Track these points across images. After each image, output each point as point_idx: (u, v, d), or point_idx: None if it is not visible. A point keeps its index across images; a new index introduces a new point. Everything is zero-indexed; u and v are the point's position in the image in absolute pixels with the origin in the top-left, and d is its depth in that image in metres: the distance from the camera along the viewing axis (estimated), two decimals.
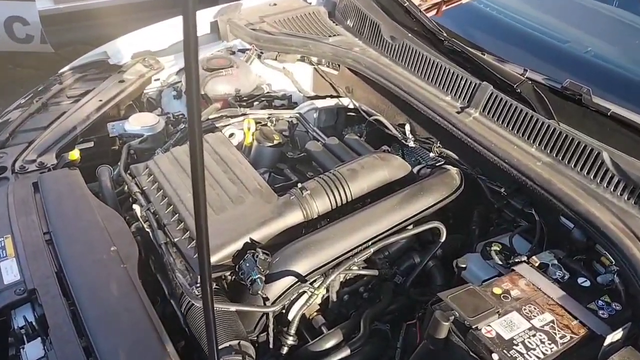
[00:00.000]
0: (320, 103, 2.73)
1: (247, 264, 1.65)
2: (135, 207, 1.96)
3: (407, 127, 2.38)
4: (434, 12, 2.71)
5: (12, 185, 2.03)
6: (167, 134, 2.42)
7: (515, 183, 1.97)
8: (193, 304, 1.61)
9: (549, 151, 1.91)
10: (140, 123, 2.40)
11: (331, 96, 2.81)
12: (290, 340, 1.69)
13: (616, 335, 1.49)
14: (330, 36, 2.64)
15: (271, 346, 1.71)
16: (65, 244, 1.78)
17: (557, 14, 2.66)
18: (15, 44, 4.73)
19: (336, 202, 1.88)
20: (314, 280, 1.75)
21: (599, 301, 1.59)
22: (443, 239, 1.84)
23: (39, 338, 1.55)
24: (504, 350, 1.43)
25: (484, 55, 2.25)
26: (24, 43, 4.72)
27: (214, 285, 1.69)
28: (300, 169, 2.25)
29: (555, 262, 1.73)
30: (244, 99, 2.59)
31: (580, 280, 1.68)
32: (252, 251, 1.68)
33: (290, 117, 2.50)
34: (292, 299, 1.67)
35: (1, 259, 1.72)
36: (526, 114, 1.97)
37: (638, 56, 2.49)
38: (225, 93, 2.60)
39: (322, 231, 1.78)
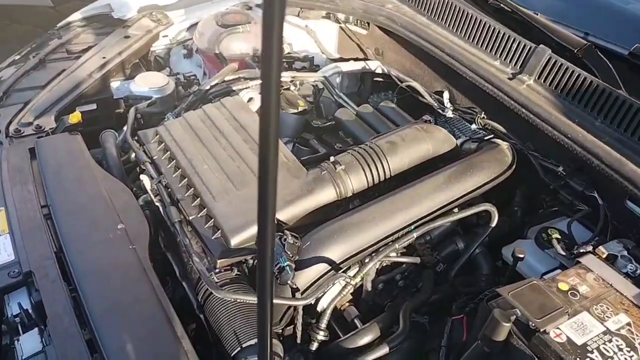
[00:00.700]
0: (345, 66, 2.47)
1: (275, 249, 1.43)
2: (144, 177, 1.73)
3: (446, 95, 2.13)
4: None
5: (6, 151, 1.82)
6: (177, 97, 2.18)
7: (575, 161, 1.74)
8: (212, 293, 1.40)
9: (616, 126, 1.67)
10: (147, 84, 2.16)
11: (357, 59, 2.55)
12: (321, 336, 1.48)
13: None
14: None
15: (298, 341, 1.51)
16: (66, 220, 1.57)
17: None
18: None
19: (373, 178, 1.65)
20: (349, 268, 1.54)
21: None
22: (494, 223, 1.61)
23: (36, 328, 1.35)
24: (578, 358, 1.23)
25: (537, 15, 1.99)
26: None
27: (235, 272, 1.48)
28: (327, 139, 2.01)
29: (625, 253, 1.52)
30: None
31: None
32: (280, 234, 1.46)
33: (315, 81, 2.25)
34: (326, 289, 1.46)
35: None
36: (590, 82, 1.73)
37: None
38: (242, 52, 2.35)
39: (358, 212, 1.56)
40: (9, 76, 2.16)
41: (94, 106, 2.19)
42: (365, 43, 2.54)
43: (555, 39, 1.86)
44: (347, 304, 1.61)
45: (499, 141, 1.83)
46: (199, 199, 1.60)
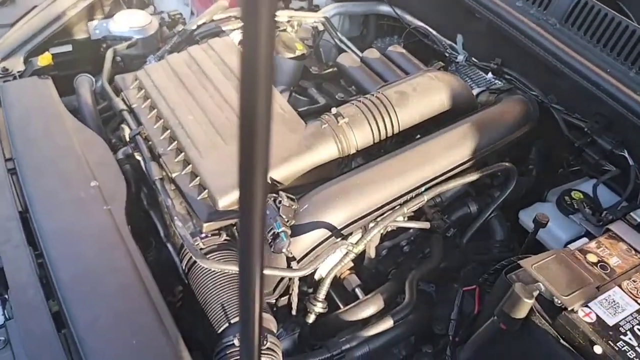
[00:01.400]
0: (348, 6, 2.23)
1: (268, 212, 1.27)
2: (124, 127, 1.54)
3: (459, 39, 1.92)
4: None
5: None
6: (161, 38, 1.96)
7: (604, 117, 1.56)
8: (196, 261, 1.24)
9: None
10: (128, 23, 1.95)
11: None
12: (319, 308, 1.34)
13: None
14: None
15: (294, 312, 1.37)
16: (32, 176, 1.40)
17: None
18: None
19: (380, 133, 1.47)
20: (351, 234, 1.38)
21: None
22: (513, 184, 1.45)
23: None
24: (610, 342, 1.09)
25: None
26: None
27: (224, 236, 1.32)
28: (327, 88, 1.81)
29: None
30: None
31: None
32: (274, 195, 1.29)
33: (315, 22, 2.02)
34: (324, 259, 1.30)
35: None
36: (625, 27, 1.53)
37: None
38: None
39: (362, 172, 1.39)
40: None
41: (68, 48, 2.00)
42: None
43: None
44: (348, 271, 1.46)
45: (519, 92, 1.64)
46: (183, 154, 1.42)
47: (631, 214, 1.37)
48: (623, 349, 1.08)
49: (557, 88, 1.67)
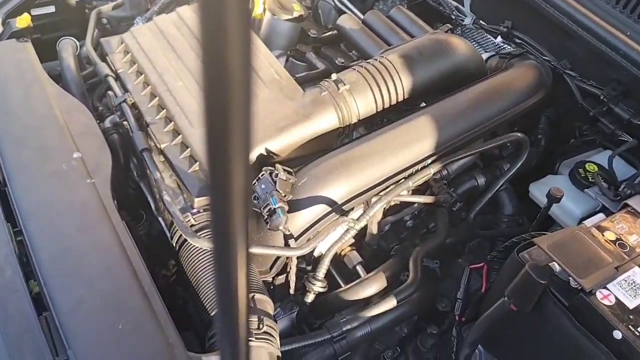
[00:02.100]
0: None
1: (263, 186, 1.18)
2: (111, 94, 1.44)
3: (467, 0, 1.80)
4: None
5: None
6: None
7: (622, 84, 1.46)
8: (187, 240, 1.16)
9: None
10: None
11: None
12: (318, 287, 1.26)
13: None
14: None
15: (292, 292, 1.29)
16: (10, 147, 1.31)
17: None
18: None
19: (383, 101, 1.37)
20: (352, 209, 1.29)
21: None
22: (525, 155, 1.36)
23: None
24: (630, 326, 1.02)
25: None
26: None
27: None
28: (327, 53, 1.70)
29: None
30: None
31: None
32: (270, 168, 1.20)
33: None
34: (324, 236, 1.22)
35: None
36: None
37: None
38: None
39: (365, 143, 1.30)
40: None
41: (51, 9, 1.87)
42: None
43: None
44: (349, 248, 1.38)
45: (531, 57, 1.53)
46: (172, 123, 1.32)
47: None
48: None
49: (572, 53, 1.57)
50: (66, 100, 1.44)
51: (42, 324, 1.02)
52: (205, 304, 1.09)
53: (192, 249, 1.16)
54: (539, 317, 1.12)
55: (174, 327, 1.02)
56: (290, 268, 1.25)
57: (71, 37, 1.71)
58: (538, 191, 1.42)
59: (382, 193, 1.29)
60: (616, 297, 1.06)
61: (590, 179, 1.37)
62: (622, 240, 1.16)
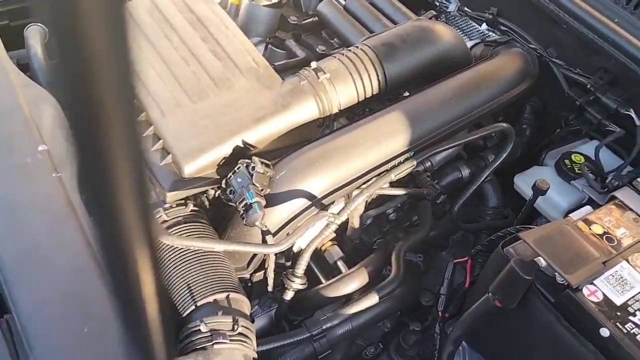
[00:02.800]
0: None
1: (239, 179, 1.13)
2: None
3: None
4: None
5: None
6: None
7: (609, 73, 1.43)
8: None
9: None
10: None
11: None
12: (297, 284, 1.22)
13: None
14: None
15: (270, 289, 1.25)
16: None
17: None
18: None
19: (365, 90, 1.32)
20: (333, 203, 1.25)
21: None
22: (510, 146, 1.32)
23: None
24: (618, 323, 0.99)
25: None
26: None
27: (190, 207, 1.18)
28: (307, 40, 1.64)
29: None
30: None
31: None
32: (246, 161, 1.15)
33: None
34: (303, 232, 1.17)
35: None
36: None
37: None
38: None
39: (346, 134, 1.25)
40: None
41: None
42: None
43: None
44: (330, 243, 1.34)
45: (517, 45, 1.49)
46: (143, 113, 1.26)
47: (638, 179, 1.25)
48: (632, 331, 0.98)
49: (558, 41, 1.53)
50: (33, 90, 1.36)
51: (2, 327, 0.96)
52: (177, 304, 1.04)
53: (164, 246, 1.10)
54: (525, 314, 1.09)
55: None
56: (268, 265, 1.20)
57: (40, 24, 1.63)
58: (523, 183, 1.38)
59: (363, 186, 1.24)
60: (603, 294, 1.03)
61: (576, 171, 1.33)
62: (610, 234, 1.13)
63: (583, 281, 1.03)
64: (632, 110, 1.40)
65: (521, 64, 1.44)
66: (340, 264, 1.31)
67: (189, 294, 1.04)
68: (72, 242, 1.07)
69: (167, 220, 1.14)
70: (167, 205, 1.16)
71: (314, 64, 1.30)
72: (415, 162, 1.26)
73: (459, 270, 1.37)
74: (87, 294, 1.01)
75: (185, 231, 1.12)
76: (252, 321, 1.08)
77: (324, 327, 1.20)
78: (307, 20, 1.68)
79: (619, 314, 1.00)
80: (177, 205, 1.17)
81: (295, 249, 1.30)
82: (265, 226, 1.11)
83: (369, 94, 1.33)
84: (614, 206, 1.19)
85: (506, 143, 1.32)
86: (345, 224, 1.36)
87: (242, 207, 1.10)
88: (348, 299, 1.27)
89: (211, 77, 1.29)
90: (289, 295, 1.23)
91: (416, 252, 1.44)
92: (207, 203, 1.26)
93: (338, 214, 1.21)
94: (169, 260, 1.09)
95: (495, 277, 1.09)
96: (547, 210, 1.33)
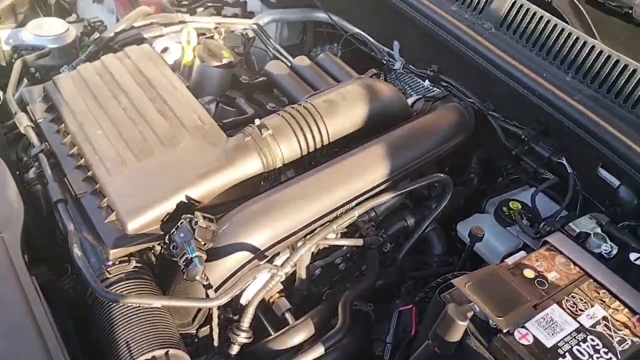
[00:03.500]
0: (283, 14, 2.14)
1: (182, 234, 1.15)
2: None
3: (396, 46, 1.85)
4: None
5: None
6: (79, 48, 1.82)
7: (541, 123, 1.51)
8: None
9: (590, 81, 1.44)
10: (42, 32, 1.80)
11: (298, 6, 2.22)
12: (243, 338, 1.22)
13: None
14: None
15: (216, 344, 1.25)
16: None
17: None
18: None
19: (308, 145, 1.37)
20: (278, 255, 1.27)
21: None
22: (449, 196, 1.37)
23: None
24: None
25: None
26: None
27: (133, 264, 1.19)
28: (257, 98, 1.70)
29: (598, 230, 1.31)
30: (184, 3, 1.99)
31: (632, 256, 1.26)
32: (189, 216, 1.17)
33: (245, 28, 1.92)
34: (246, 284, 1.19)
35: None
36: (561, 30, 1.48)
37: None
38: None
39: (288, 187, 1.29)
40: None
41: None
42: None
43: None
44: (277, 295, 1.35)
45: (454, 99, 1.57)
46: (90, 172, 1.28)
47: (570, 224, 1.31)
48: None
49: (494, 94, 1.62)
50: None
51: None
52: None
53: (104, 304, 1.11)
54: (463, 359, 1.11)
55: None
56: (213, 319, 1.21)
57: None
58: (464, 230, 1.43)
59: (307, 237, 1.27)
60: (534, 336, 1.05)
61: (513, 217, 1.38)
62: (541, 278, 1.17)
63: (514, 324, 1.05)
64: (563, 158, 1.48)
65: (456, 117, 1.51)
66: (288, 315, 1.32)
67: (127, 351, 1.04)
68: (10, 301, 1.07)
69: (109, 278, 1.15)
70: (110, 263, 1.17)
71: (257, 121, 1.35)
72: (356, 213, 1.29)
73: (406, 320, 1.39)
74: (23, 353, 1.00)
75: (127, 288, 1.13)
76: None
77: None
78: (258, 79, 1.75)
79: (549, 355, 1.03)
80: (120, 262, 1.18)
81: (243, 302, 1.31)
82: (207, 280, 1.13)
83: (312, 148, 1.38)
84: (546, 251, 1.24)
85: (445, 193, 1.37)
86: (294, 276, 1.38)
87: (183, 261, 1.12)
88: (297, 351, 1.28)
89: (157, 136, 1.33)
90: (234, 349, 1.23)
91: (366, 301, 1.46)
92: (153, 259, 1.27)
93: (281, 265, 1.23)
94: (109, 317, 1.09)
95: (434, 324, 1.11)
96: (488, 255, 1.37)
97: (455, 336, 1.08)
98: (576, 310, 1.12)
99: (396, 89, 1.56)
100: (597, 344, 1.06)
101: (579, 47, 1.45)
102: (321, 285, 1.43)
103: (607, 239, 1.28)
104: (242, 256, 1.20)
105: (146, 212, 1.20)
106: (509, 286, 1.12)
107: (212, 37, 1.77)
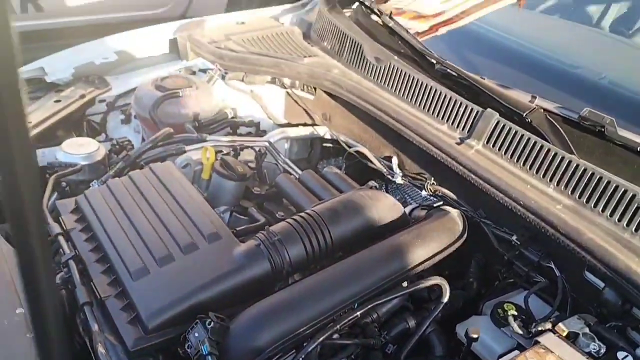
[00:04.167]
0: (292, 132, 2.37)
1: (196, 334, 1.25)
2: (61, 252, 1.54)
3: (395, 161, 2.03)
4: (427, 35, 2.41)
5: None
6: (108, 164, 2.02)
7: (529, 230, 1.63)
8: None
9: (570, 192, 1.58)
10: (75, 150, 2.00)
11: (305, 124, 2.46)
12: None
13: None
14: (305, 57, 2.30)
15: None
16: None
17: (563, 39, 2.39)
18: None
19: (313, 250, 1.50)
20: (284, 354, 1.35)
21: None
22: (445, 299, 1.47)
23: None
24: None
25: (484, 80, 1.94)
26: None
27: None
28: (268, 208, 1.86)
29: (587, 330, 1.39)
30: (204, 124, 2.21)
31: (620, 355, 1.33)
32: (203, 316, 1.27)
33: (258, 145, 2.13)
34: None
35: None
36: (541, 146, 1.65)
37: None
38: (181, 117, 2.22)
39: (294, 288, 1.40)
40: None
41: None
42: (313, 108, 2.46)
43: (503, 103, 1.80)
44: None
45: (449, 208, 1.71)
46: (115, 277, 1.41)
47: (560, 324, 1.39)
48: None
49: (485, 203, 1.76)
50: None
51: None
52: None
53: None
54: None
55: None
56: None
57: None
58: (463, 331, 1.50)
59: (312, 336, 1.35)
60: None
61: (507, 319, 1.47)
62: None
63: None
64: (552, 262, 1.58)
65: (450, 225, 1.64)
66: None
67: None
68: None
69: None
70: None
71: (267, 228, 1.49)
72: (358, 314, 1.38)
73: None
74: None
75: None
76: None
77: None
78: (268, 191, 1.92)
79: None
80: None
81: None
82: None
83: (317, 253, 1.51)
84: (538, 349, 1.31)
85: (441, 296, 1.47)
86: None
87: (196, 359, 1.20)
88: None
89: (177, 243, 1.46)
90: None
91: None
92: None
93: None
94: None
95: None
96: (485, 355, 1.44)
97: None
98: None
99: (394, 198, 1.71)
100: None
101: (558, 161, 1.61)
102: None
103: (596, 339, 1.36)
104: (250, 355, 1.28)
105: (166, 313, 1.30)
106: None
107: (228, 154, 1.97)
